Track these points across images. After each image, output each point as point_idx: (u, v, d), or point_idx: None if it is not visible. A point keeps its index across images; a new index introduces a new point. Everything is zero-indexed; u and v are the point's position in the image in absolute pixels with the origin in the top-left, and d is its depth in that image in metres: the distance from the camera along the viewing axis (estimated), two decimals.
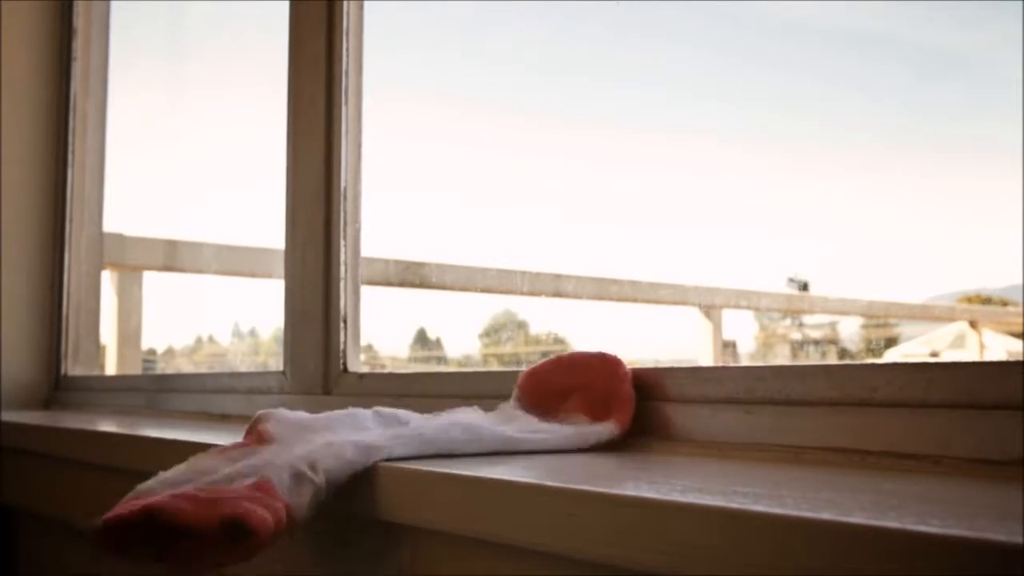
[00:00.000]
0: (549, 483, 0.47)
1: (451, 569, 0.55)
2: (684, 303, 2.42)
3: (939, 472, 0.51)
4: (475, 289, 1.92)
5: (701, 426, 0.63)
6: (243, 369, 1.38)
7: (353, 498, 0.57)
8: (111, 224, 1.61)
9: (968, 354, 2.72)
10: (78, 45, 1.58)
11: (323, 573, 0.67)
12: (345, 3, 1.04)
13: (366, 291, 1.03)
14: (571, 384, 0.67)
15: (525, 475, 0.50)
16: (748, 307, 2.68)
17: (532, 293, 1.77)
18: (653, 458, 0.59)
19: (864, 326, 2.92)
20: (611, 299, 2.09)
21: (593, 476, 0.50)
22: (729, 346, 2.58)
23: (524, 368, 0.71)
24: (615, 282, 2.07)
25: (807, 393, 0.58)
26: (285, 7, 1.10)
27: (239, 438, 0.61)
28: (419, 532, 0.57)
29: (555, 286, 1.75)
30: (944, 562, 0.32)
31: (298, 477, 0.53)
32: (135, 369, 1.76)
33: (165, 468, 0.56)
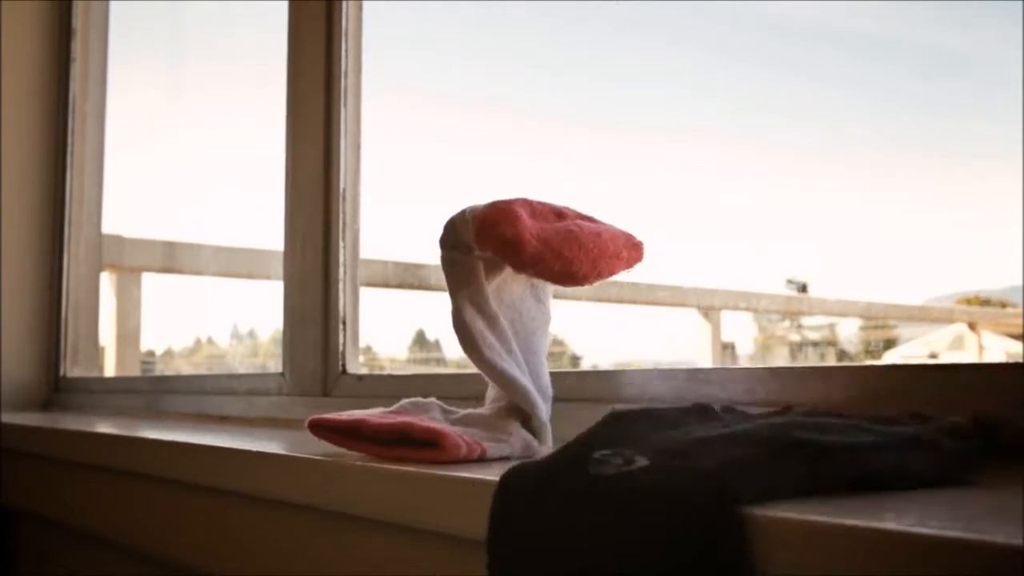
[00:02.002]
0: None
1: (445, 569, 0.55)
2: (683, 304, 2.42)
3: None
4: None
5: None
6: (242, 371, 1.37)
7: None
8: (110, 225, 1.61)
9: (967, 356, 2.72)
10: (77, 46, 1.58)
11: None
12: (344, 3, 1.04)
13: (365, 292, 1.03)
14: None
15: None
16: (747, 308, 2.67)
17: None
18: None
19: (863, 328, 2.91)
20: (610, 300, 2.09)
21: None
22: (728, 348, 2.57)
23: None
24: (614, 283, 2.07)
25: (806, 394, 0.58)
26: (284, 8, 1.10)
27: (239, 439, 0.61)
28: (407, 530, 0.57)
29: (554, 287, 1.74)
30: (944, 563, 0.32)
31: None
32: (134, 370, 1.76)
33: (164, 469, 0.56)
